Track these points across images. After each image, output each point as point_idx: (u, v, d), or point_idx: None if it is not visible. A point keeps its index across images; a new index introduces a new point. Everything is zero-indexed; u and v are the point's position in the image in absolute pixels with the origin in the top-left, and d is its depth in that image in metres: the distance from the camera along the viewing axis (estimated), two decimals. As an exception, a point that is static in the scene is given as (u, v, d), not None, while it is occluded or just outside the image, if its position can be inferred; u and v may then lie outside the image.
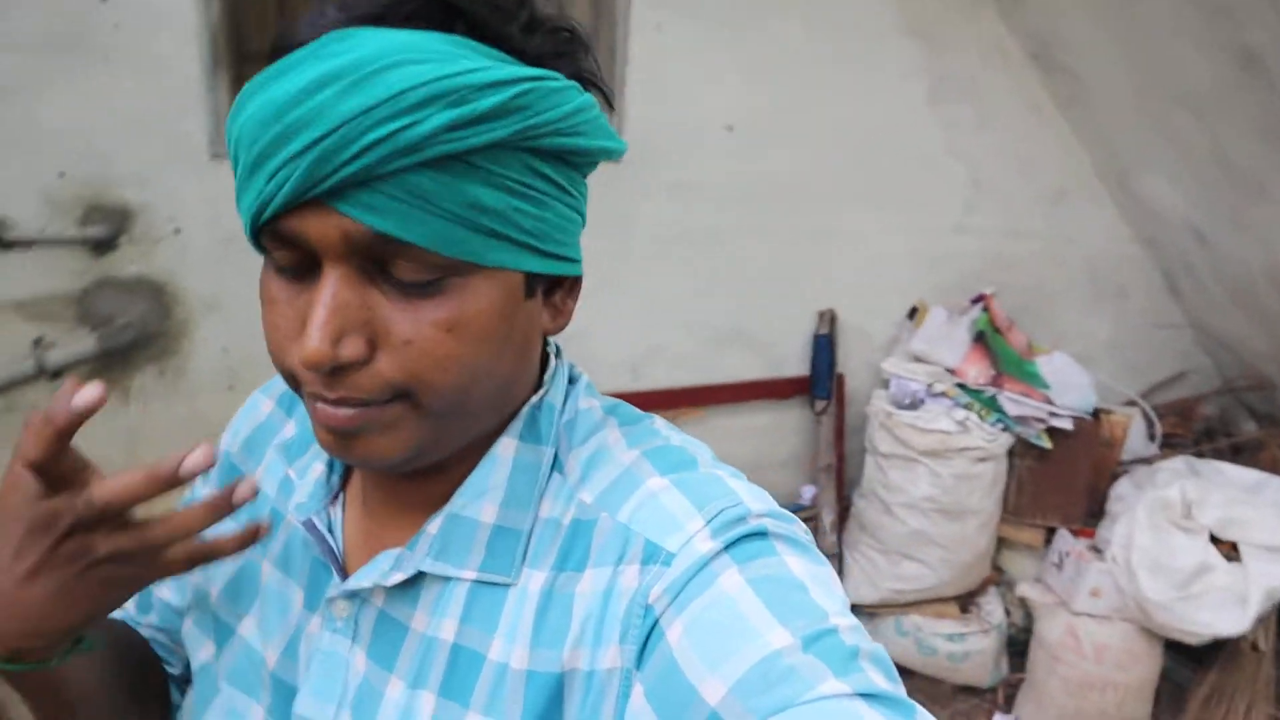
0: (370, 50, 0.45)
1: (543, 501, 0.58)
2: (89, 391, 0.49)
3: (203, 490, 0.74)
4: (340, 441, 0.52)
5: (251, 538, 0.56)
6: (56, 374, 2.21)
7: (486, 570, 0.56)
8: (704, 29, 2.55)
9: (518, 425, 0.59)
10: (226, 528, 0.64)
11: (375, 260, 0.48)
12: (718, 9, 2.55)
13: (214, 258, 2.21)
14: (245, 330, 2.25)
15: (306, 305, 0.49)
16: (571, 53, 0.53)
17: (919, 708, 0.45)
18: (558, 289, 0.59)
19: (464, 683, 0.55)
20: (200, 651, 0.67)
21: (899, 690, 0.46)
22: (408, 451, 0.52)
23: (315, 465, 0.65)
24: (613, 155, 0.55)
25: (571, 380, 0.64)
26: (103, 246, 2.16)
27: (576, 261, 0.57)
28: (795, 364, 2.95)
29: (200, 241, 2.20)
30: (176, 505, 0.73)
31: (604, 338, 2.69)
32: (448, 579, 0.57)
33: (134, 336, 2.22)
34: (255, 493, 0.54)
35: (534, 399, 0.60)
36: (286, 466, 0.68)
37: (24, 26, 1.97)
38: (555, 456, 0.59)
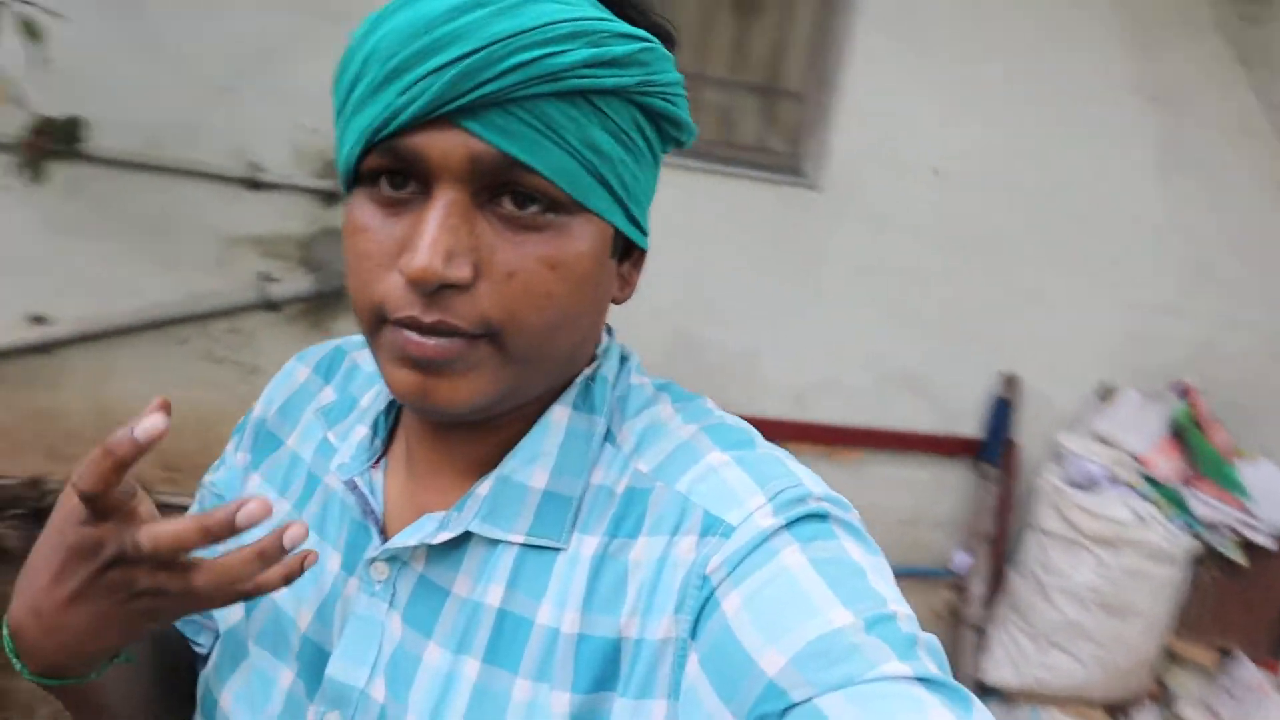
0: None
1: (595, 470, 0.58)
2: (151, 422, 0.46)
3: (234, 456, 0.73)
4: (423, 380, 0.51)
5: (297, 572, 0.53)
6: (274, 306, 2.44)
7: (535, 534, 0.56)
8: (926, 65, 2.53)
9: (571, 394, 0.59)
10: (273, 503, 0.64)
11: (490, 187, 0.49)
12: (945, 46, 2.53)
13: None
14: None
15: (406, 231, 0.50)
16: (665, 39, 0.56)
17: (974, 697, 0.45)
18: (626, 259, 0.60)
19: (511, 648, 0.54)
20: (229, 615, 0.66)
21: (951, 678, 0.46)
22: (486, 397, 0.52)
23: (358, 428, 0.65)
24: (687, 141, 0.58)
25: (623, 358, 0.64)
26: (332, 199, 2.37)
27: (647, 234, 0.59)
28: (968, 422, 2.84)
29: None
30: (207, 476, 0.75)
31: (774, 360, 2.69)
32: (495, 543, 0.57)
33: (343, 284, 2.42)
34: (306, 533, 0.51)
35: (587, 371, 0.60)
36: (326, 430, 0.68)
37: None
38: (607, 428, 0.59)
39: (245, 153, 2.34)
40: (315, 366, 0.73)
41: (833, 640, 0.45)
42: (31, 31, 1.66)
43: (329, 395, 0.70)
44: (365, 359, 0.71)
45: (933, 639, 0.48)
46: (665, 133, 0.56)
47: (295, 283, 2.42)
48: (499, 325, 0.50)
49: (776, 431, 2.71)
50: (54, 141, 1.73)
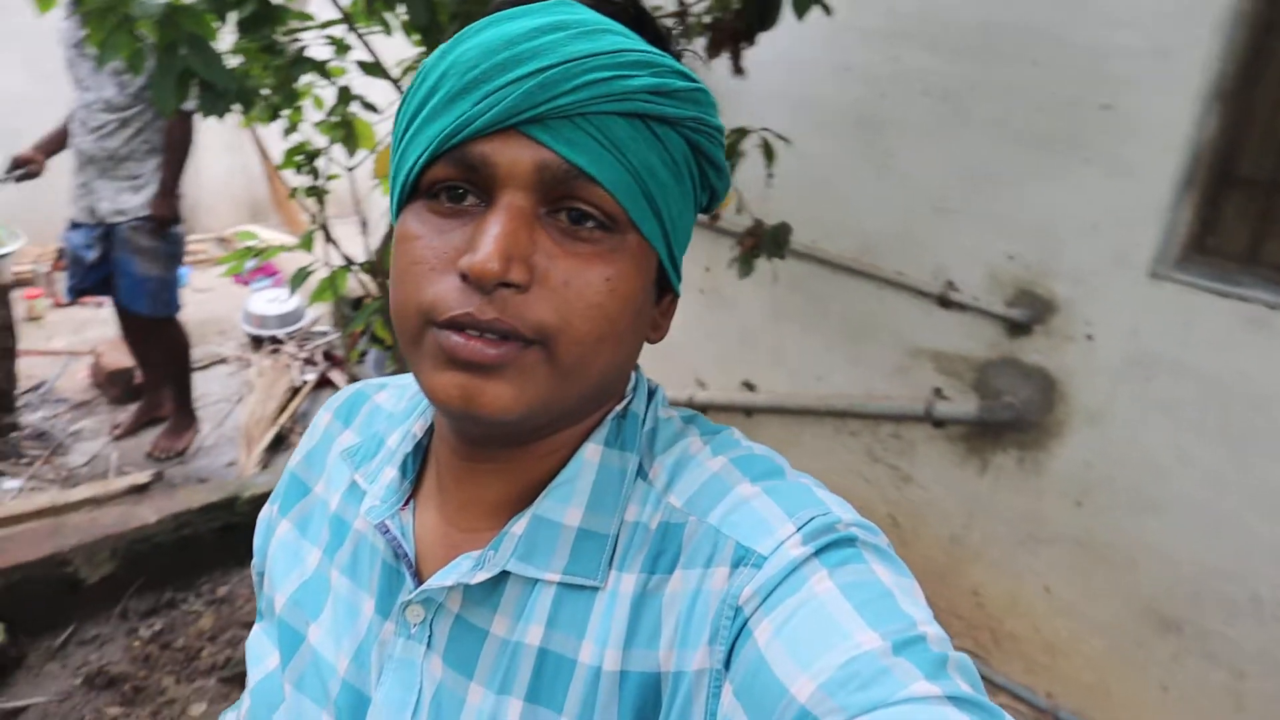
0: (592, 16, 0.53)
1: (629, 507, 0.59)
2: None
3: (270, 509, 0.75)
4: (469, 382, 0.51)
5: None
6: (938, 423, 2.46)
7: (572, 573, 0.57)
8: None
9: (603, 432, 0.60)
10: (305, 550, 0.69)
11: (551, 199, 0.52)
12: None
13: (1115, 375, 2.15)
14: (1117, 455, 2.15)
15: (465, 237, 0.51)
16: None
17: (1007, 715, 0.45)
18: (659, 301, 0.61)
19: (554, 687, 0.55)
20: (266, 661, 0.68)
21: (985, 698, 0.46)
22: (530, 407, 0.52)
23: (386, 470, 0.66)
24: (721, 192, 0.60)
25: (650, 392, 0.65)
26: (1018, 329, 2.30)
27: (680, 279, 0.61)
28: None
29: (1108, 354, 2.16)
30: (260, 522, 0.76)
31: None
32: (532, 583, 0.58)
33: (1011, 417, 2.33)
34: None
35: (618, 408, 0.62)
36: (353, 472, 0.69)
37: (1033, 123, 2.16)
38: (639, 464, 0.60)
39: (944, 271, 2.41)
40: (335, 412, 0.76)
41: (861, 664, 0.45)
42: (769, 153, 1.96)
43: (350, 438, 0.73)
44: (386, 399, 0.74)
45: (964, 658, 0.48)
46: (706, 177, 0.58)
47: (963, 404, 2.41)
48: (553, 331, 0.51)
49: None
50: (761, 244, 2.03)
